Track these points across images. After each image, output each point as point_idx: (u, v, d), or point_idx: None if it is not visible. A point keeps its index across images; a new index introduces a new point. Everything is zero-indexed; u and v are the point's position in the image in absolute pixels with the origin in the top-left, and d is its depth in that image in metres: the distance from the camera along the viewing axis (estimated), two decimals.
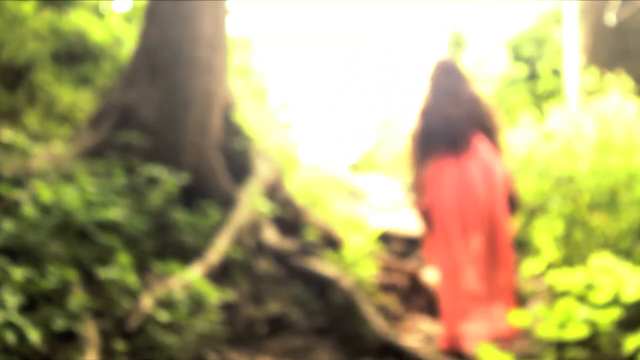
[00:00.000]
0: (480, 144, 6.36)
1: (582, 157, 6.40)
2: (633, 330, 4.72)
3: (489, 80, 12.43)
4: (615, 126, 6.58)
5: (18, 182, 5.69)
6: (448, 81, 6.64)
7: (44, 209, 5.29)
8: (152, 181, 6.28)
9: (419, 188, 6.48)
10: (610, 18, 8.62)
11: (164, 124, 6.67)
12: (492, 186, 6.29)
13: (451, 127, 6.44)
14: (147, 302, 5.10)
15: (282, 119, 10.48)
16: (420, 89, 6.69)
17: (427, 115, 6.54)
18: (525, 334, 5.86)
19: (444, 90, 6.59)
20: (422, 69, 11.27)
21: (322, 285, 6.36)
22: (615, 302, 4.66)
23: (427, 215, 6.44)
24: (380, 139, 14.89)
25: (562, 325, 4.63)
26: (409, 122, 6.74)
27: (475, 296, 6.17)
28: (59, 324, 4.68)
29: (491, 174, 6.28)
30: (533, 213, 6.88)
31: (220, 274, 6.04)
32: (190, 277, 5.44)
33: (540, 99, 11.42)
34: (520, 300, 6.55)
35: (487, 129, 6.46)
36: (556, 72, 11.66)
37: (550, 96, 11.27)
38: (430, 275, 7.46)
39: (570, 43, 9.33)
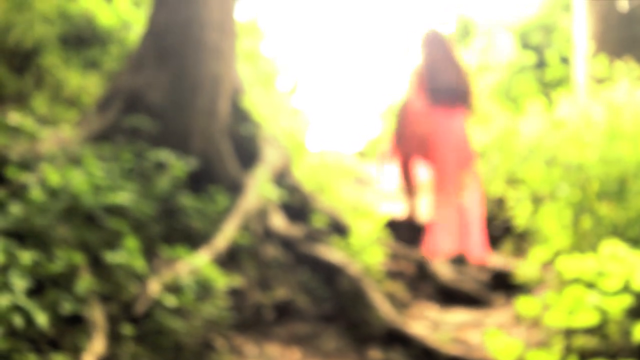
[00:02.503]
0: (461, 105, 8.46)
1: (591, 145, 6.38)
2: None
3: (496, 67, 12.40)
4: (624, 114, 6.55)
5: (26, 165, 5.68)
6: (442, 49, 8.59)
7: (52, 193, 5.28)
8: (160, 166, 6.26)
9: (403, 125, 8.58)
10: (622, 5, 8.58)
11: (172, 109, 6.65)
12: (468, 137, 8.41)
13: (449, 86, 8.42)
14: (154, 286, 5.10)
15: (290, 105, 10.45)
16: (414, 55, 8.75)
17: (425, 75, 8.46)
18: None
19: (439, 56, 8.53)
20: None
21: (329, 272, 6.35)
22: (625, 289, 4.65)
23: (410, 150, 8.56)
24: (387, 126, 14.85)
25: (571, 313, 4.61)
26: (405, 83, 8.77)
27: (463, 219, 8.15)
28: (67, 307, 4.68)
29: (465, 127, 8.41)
30: (541, 201, 6.87)
31: (228, 260, 6.03)
32: (197, 262, 5.44)
33: (548, 87, 11.38)
34: (527, 288, 6.56)
35: (467, 92, 8.48)
36: (565, 60, 11.63)
37: (559, 84, 11.23)
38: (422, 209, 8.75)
39: (579, 30, 9.30)
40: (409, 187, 8.78)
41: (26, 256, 4.67)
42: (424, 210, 8.63)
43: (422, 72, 8.50)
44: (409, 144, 8.58)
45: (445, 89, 8.43)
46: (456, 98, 8.44)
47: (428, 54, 8.60)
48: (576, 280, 4.85)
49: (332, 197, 7.82)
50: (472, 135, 8.51)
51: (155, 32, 6.93)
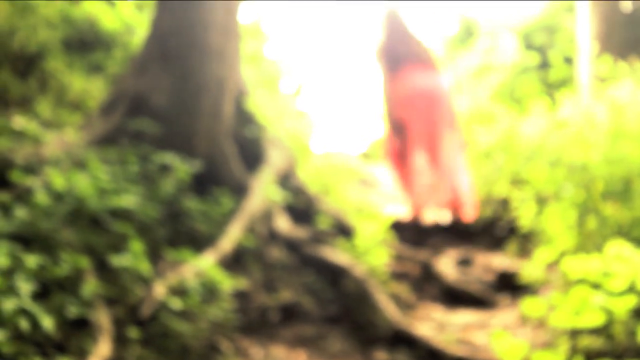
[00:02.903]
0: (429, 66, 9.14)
1: (595, 146, 6.37)
2: None
3: (500, 68, 12.40)
4: (628, 114, 6.55)
5: (30, 169, 5.69)
6: (401, 25, 9.34)
7: (57, 197, 5.29)
8: (165, 169, 6.27)
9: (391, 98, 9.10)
10: (626, 5, 8.58)
11: (176, 111, 6.66)
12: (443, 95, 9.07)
13: (410, 53, 9.14)
14: (160, 289, 5.10)
15: (294, 107, 10.45)
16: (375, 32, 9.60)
17: (388, 48, 9.20)
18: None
19: (399, 31, 9.30)
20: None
21: (334, 274, 6.35)
22: (630, 290, 4.65)
23: (398, 119, 9.00)
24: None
25: (577, 313, 4.61)
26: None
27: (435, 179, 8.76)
28: (72, 311, 4.69)
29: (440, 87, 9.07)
30: (545, 201, 6.86)
31: (233, 262, 6.03)
32: (202, 264, 5.44)
33: (552, 88, 11.38)
34: (532, 288, 6.56)
35: (430, 57, 9.17)
36: (568, 61, 11.63)
37: (562, 85, 11.23)
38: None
39: (583, 31, 9.30)
40: (408, 182, 9.02)
41: (31, 260, 4.68)
42: (428, 208, 8.86)
43: (385, 47, 9.27)
44: (396, 119, 9.06)
45: (407, 55, 9.16)
46: (420, 61, 9.14)
47: (388, 30, 9.37)
48: (581, 281, 4.84)
49: (336, 198, 7.82)
50: (449, 92, 9.28)
51: (159, 35, 6.93)
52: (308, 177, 7.66)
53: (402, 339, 5.85)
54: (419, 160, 8.81)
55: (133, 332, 4.87)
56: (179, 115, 6.67)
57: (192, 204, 6.17)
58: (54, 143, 6.14)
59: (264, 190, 6.56)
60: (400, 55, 9.15)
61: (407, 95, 8.99)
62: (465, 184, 8.68)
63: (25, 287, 4.51)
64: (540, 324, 6.03)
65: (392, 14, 9.47)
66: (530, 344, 5.22)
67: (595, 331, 5.05)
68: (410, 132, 8.94)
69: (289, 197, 6.92)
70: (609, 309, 4.63)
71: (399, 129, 9.00)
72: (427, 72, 9.07)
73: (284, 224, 6.69)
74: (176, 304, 5.08)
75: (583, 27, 9.31)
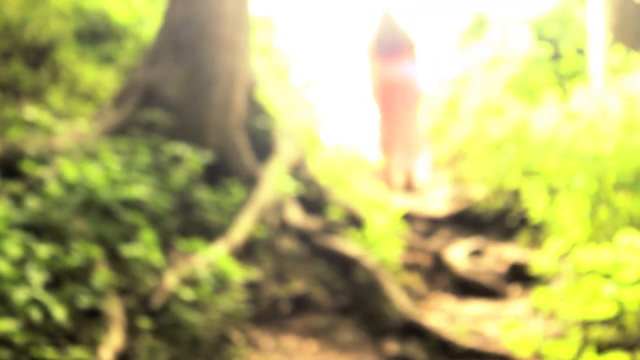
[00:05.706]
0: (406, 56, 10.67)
1: (607, 137, 6.35)
2: None
3: (512, 60, 12.37)
4: None
5: (42, 160, 5.70)
6: (391, 20, 10.79)
7: (69, 187, 5.31)
8: (176, 159, 6.27)
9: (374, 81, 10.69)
10: None
11: (188, 103, 6.67)
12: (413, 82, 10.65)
13: (392, 40, 10.67)
14: (171, 280, 5.11)
15: (305, 99, 10.46)
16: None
17: (377, 42, 10.70)
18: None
19: (390, 26, 10.76)
20: (445, 50, 11.48)
21: (345, 264, 6.35)
22: None
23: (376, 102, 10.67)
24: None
25: (588, 304, 4.60)
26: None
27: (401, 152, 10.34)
28: (84, 301, 4.70)
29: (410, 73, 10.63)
30: (557, 192, 6.85)
31: (244, 253, 6.04)
32: (214, 255, 5.45)
33: (564, 79, 11.34)
34: (544, 279, 6.55)
35: (410, 47, 10.70)
36: (580, 52, 11.58)
37: (574, 76, 11.19)
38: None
39: (595, 21, 9.27)
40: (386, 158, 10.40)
41: (43, 250, 4.70)
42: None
43: (375, 40, 10.74)
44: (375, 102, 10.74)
45: (392, 48, 10.67)
46: (399, 50, 10.68)
47: (380, 26, 10.78)
48: (592, 272, 4.83)
49: (347, 189, 7.82)
50: (419, 80, 10.74)
51: (171, 26, 6.94)
52: (319, 169, 7.66)
53: (413, 330, 5.85)
54: (389, 137, 10.37)
55: (144, 323, 4.88)
56: (191, 107, 6.68)
57: (203, 194, 6.18)
58: (65, 134, 6.15)
59: (275, 181, 6.57)
60: (385, 48, 10.66)
61: (381, 82, 10.58)
62: (419, 163, 10.34)
63: (37, 277, 4.52)
64: (552, 315, 6.02)
65: (385, 12, 10.88)
66: (541, 335, 5.21)
67: (607, 322, 5.04)
68: (381, 113, 10.52)
69: (300, 188, 6.92)
70: (620, 300, 4.61)
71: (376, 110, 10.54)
72: (402, 63, 10.57)
73: (295, 214, 6.69)
74: (187, 294, 5.09)
75: (595, 18, 9.28)
